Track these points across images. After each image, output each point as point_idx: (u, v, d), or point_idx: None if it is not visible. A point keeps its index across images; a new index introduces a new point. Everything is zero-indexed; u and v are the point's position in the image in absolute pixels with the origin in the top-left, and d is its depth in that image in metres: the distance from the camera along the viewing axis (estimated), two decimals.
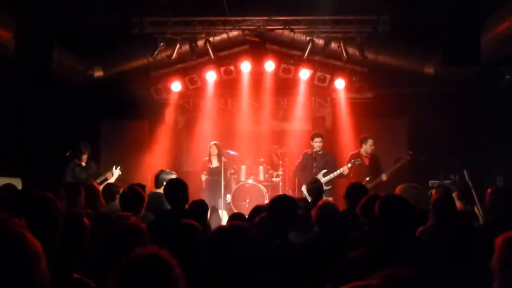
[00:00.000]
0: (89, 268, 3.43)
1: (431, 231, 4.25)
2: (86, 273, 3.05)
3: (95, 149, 11.27)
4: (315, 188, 7.06)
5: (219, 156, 10.46)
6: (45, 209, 2.13)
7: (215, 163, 10.46)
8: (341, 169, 9.49)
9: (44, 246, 2.06)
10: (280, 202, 4.22)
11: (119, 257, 2.12)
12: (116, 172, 9.47)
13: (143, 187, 6.33)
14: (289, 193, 11.08)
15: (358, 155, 9.88)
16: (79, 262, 3.27)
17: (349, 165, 9.55)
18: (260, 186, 10.79)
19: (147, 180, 11.03)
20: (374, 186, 9.29)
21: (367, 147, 9.83)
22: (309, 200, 6.64)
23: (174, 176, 7.20)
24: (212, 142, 10.66)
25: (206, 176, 10.59)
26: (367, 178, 9.40)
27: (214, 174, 10.44)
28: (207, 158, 10.57)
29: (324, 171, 9.67)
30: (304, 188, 9.58)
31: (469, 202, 7.17)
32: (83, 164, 9.77)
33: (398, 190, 5.66)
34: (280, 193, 10.50)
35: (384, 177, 9.49)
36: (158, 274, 1.96)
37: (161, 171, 7.70)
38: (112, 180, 9.27)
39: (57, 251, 2.20)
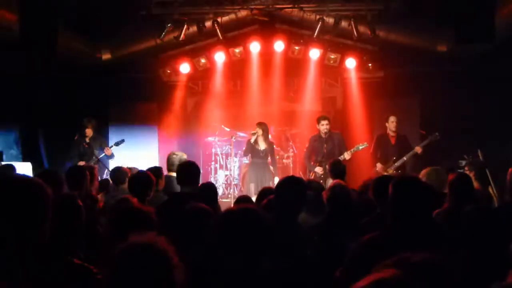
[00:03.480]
0: (96, 251, 3.37)
1: (448, 213, 4.13)
2: (91, 257, 2.99)
3: (104, 132, 11.26)
4: (339, 170, 6.77)
5: (266, 137, 10.00)
6: (29, 195, 2.03)
7: (262, 145, 9.99)
8: (343, 155, 9.30)
9: (30, 233, 1.97)
10: (289, 184, 4.11)
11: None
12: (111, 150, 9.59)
13: (159, 168, 6.30)
14: (300, 174, 11.00)
15: (384, 136, 9.76)
16: (83, 246, 3.21)
17: (352, 150, 9.41)
18: (271, 167, 10.69)
19: (156, 162, 11.02)
20: (402, 164, 9.24)
21: (389, 124, 9.69)
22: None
23: (185, 157, 7.17)
24: (257, 123, 10.09)
25: (251, 159, 10.11)
26: (394, 158, 9.32)
27: (261, 156, 10.00)
28: (252, 139, 9.96)
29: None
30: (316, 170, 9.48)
31: (485, 182, 7.04)
32: (87, 140, 9.73)
33: (422, 174, 5.53)
34: (291, 174, 10.41)
35: (418, 149, 9.35)
36: (151, 264, 1.87)
37: (172, 153, 7.63)
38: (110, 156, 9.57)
39: (48, 237, 2.10)
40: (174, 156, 7.19)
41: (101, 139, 10.00)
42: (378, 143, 9.80)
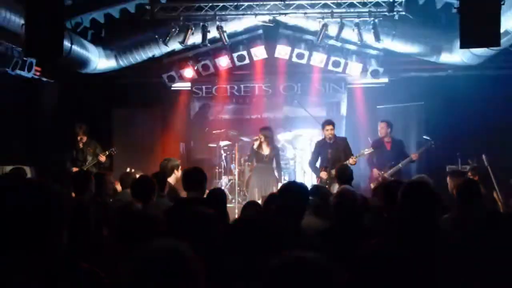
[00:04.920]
0: (101, 255, 3.36)
1: (456, 218, 4.10)
2: (97, 261, 2.98)
3: (108, 137, 11.24)
4: (346, 175, 6.74)
5: (270, 142, 9.93)
6: (53, 201, 2.02)
7: (266, 150, 9.91)
8: (348, 161, 9.22)
9: (51, 241, 1.96)
10: (290, 188, 4.13)
11: (133, 246, 2.02)
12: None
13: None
14: (304, 179, 10.99)
15: (380, 141, 9.72)
16: (89, 250, 3.20)
17: (357, 155, 9.31)
18: (275, 172, 10.65)
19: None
20: (397, 170, 9.20)
21: (379, 130, 9.68)
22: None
23: (177, 163, 7.24)
24: (260, 128, 10.04)
25: (255, 164, 10.03)
26: (392, 162, 9.29)
27: (265, 161, 9.93)
28: (255, 145, 9.93)
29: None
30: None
31: (489, 187, 7.03)
32: (80, 146, 9.68)
33: None
34: (295, 179, 10.39)
35: (414, 156, 9.32)
36: (175, 269, 1.84)
37: (164, 160, 7.63)
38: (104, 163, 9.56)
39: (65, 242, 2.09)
40: (166, 162, 7.23)
41: (95, 145, 9.90)
42: (373, 149, 9.69)
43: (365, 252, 2.14)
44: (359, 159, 9.65)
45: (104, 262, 3.02)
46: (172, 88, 12.10)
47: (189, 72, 11.54)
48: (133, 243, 2.15)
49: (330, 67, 11.38)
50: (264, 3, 9.93)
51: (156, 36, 10.51)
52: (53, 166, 10.00)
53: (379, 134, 9.66)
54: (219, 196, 5.25)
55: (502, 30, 7.05)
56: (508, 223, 3.00)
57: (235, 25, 10.67)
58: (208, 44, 10.77)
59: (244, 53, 11.35)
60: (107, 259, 3.18)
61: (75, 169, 9.25)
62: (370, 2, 9.73)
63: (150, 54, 11.01)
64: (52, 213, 2.00)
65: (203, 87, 12.60)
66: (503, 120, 10.15)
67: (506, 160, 9.36)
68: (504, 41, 7.51)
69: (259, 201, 7.37)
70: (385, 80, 11.71)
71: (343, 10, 9.87)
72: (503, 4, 6.95)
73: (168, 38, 10.24)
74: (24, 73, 9.54)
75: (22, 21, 7.62)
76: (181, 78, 11.74)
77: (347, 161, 9.10)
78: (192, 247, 2.75)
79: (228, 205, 9.98)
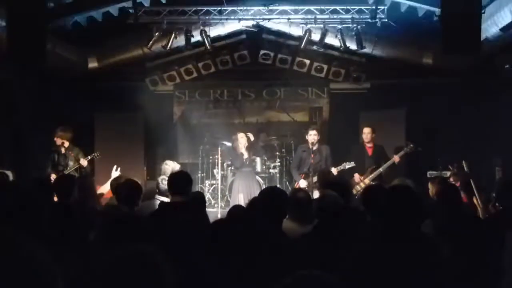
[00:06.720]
0: (88, 261, 3.34)
1: (438, 224, 4.15)
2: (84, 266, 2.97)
3: (90, 141, 11.16)
4: (328, 180, 6.71)
5: (250, 147, 9.89)
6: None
7: (247, 154, 9.82)
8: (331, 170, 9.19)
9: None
10: (269, 194, 4.19)
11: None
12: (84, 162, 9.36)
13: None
14: (286, 184, 11.01)
15: (361, 146, 9.70)
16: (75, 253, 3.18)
17: (339, 168, 9.21)
18: (257, 177, 10.66)
19: (142, 171, 10.97)
20: (378, 175, 9.19)
21: (365, 135, 9.62)
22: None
23: (178, 167, 7.17)
24: (243, 132, 9.99)
25: (238, 168, 9.99)
26: (373, 167, 9.29)
27: (247, 165, 9.88)
28: (242, 149, 9.79)
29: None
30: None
31: (469, 192, 7.11)
32: (62, 151, 9.51)
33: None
34: (277, 184, 10.40)
35: (396, 159, 9.28)
36: (141, 273, 1.84)
37: (165, 163, 7.59)
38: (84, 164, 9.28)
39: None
40: (167, 166, 7.17)
41: (78, 150, 9.73)
42: (354, 155, 9.65)
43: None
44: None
45: (90, 265, 3.02)
46: (155, 92, 12.07)
47: (172, 76, 11.52)
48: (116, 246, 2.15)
49: (313, 72, 11.46)
50: (248, 8, 9.98)
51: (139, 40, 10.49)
52: (34, 171, 9.89)
53: (363, 138, 9.65)
54: (199, 199, 5.25)
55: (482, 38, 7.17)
56: (487, 228, 3.05)
57: (218, 30, 10.70)
58: (191, 49, 10.79)
59: (227, 57, 11.38)
60: (93, 262, 3.16)
61: (54, 175, 9.11)
62: (353, 9, 9.83)
63: (132, 58, 10.99)
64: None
65: (186, 91, 12.59)
66: (484, 125, 10.28)
67: (485, 166, 9.49)
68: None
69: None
70: (367, 85, 11.81)
71: (326, 16, 9.96)
72: (484, 13, 7.08)
73: (151, 42, 10.22)
74: None
75: (3, 23, 7.55)
76: (164, 82, 11.73)
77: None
78: (172, 251, 2.76)
79: (211, 209, 10.06)
